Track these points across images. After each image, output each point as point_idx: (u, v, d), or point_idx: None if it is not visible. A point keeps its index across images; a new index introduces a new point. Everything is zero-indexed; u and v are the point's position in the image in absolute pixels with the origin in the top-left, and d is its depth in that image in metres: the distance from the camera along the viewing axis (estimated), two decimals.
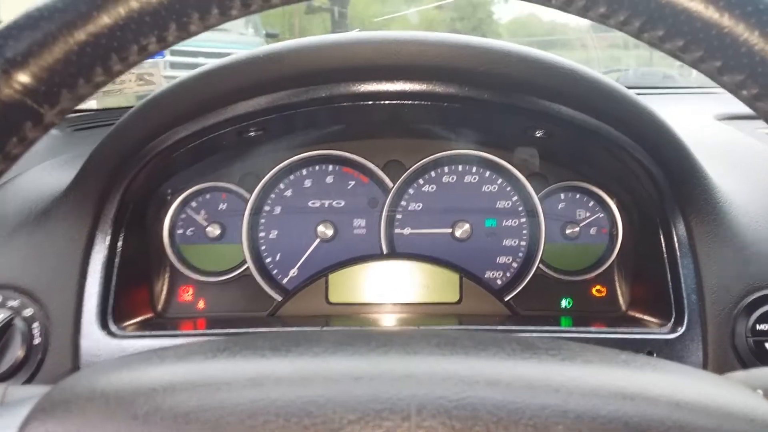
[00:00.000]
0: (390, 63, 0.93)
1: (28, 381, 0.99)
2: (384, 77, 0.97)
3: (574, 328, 1.05)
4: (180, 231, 1.30)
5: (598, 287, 1.27)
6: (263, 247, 1.30)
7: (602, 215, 1.28)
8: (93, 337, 1.02)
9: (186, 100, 0.99)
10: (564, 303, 1.27)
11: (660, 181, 1.05)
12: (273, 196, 1.31)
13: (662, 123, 0.99)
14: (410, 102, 1.06)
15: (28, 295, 1.01)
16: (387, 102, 1.06)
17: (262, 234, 1.30)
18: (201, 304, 1.28)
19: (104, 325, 1.03)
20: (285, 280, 1.29)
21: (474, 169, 1.31)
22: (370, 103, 1.07)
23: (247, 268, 1.28)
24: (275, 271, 1.30)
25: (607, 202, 1.27)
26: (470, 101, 0.99)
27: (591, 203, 1.29)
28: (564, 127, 1.02)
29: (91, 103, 1.76)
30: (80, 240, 1.04)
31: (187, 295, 1.28)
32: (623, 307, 1.24)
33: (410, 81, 0.97)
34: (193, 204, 1.30)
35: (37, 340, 1.00)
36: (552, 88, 0.95)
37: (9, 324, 0.97)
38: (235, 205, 1.30)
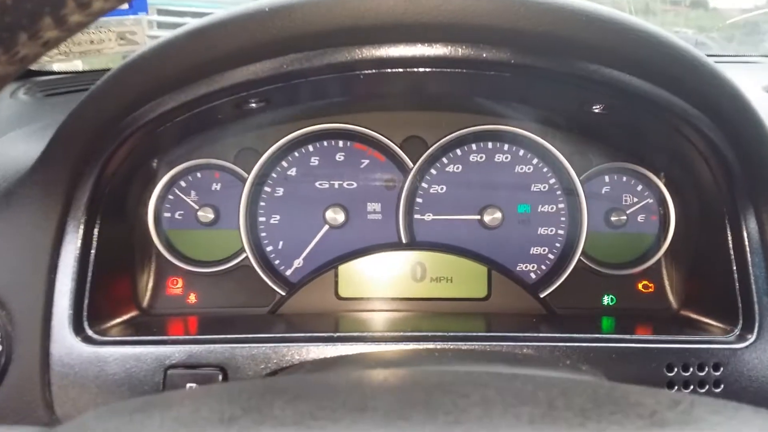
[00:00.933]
0: (428, 21, 0.75)
1: None
2: (419, 39, 0.79)
3: (626, 336, 0.90)
4: (167, 215, 1.13)
5: (645, 282, 1.12)
6: (263, 234, 1.13)
7: (652, 201, 1.13)
8: (65, 344, 0.86)
9: (174, 63, 0.81)
10: (606, 300, 1.12)
11: (733, 167, 0.89)
12: (275, 175, 1.14)
13: (747, 102, 0.83)
14: (448, 70, 0.87)
15: None
16: (420, 70, 0.88)
17: (262, 219, 1.14)
18: (192, 298, 1.12)
19: (78, 329, 0.87)
20: (288, 272, 1.13)
21: (506, 147, 1.14)
22: (400, 71, 0.88)
23: (246, 257, 1.11)
24: (277, 262, 1.13)
25: (659, 187, 1.11)
26: (524, 69, 0.81)
27: (639, 187, 1.13)
28: (628, 101, 0.86)
29: (69, 65, 1.57)
30: (49, 228, 0.87)
31: (176, 288, 1.12)
32: (674, 306, 1.09)
33: (452, 44, 0.78)
34: (182, 184, 1.13)
35: None
36: (626, 56, 0.78)
37: None
38: (231, 185, 1.13)
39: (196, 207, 1.12)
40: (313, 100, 1.06)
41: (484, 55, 0.78)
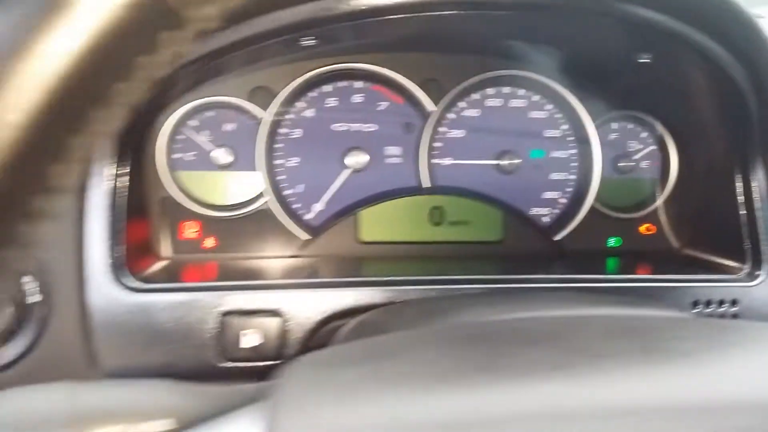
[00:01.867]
0: None
1: (26, 352, 0.77)
2: None
3: (657, 276, 0.96)
4: (178, 156, 1.06)
5: (647, 225, 1.19)
6: (282, 177, 1.10)
7: (655, 148, 1.19)
8: (107, 293, 0.80)
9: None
10: (612, 241, 1.19)
11: (754, 123, 0.95)
12: (291, 116, 1.10)
13: None
14: (487, 12, 0.87)
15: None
16: (456, 13, 0.87)
17: (279, 162, 1.10)
18: (210, 243, 1.07)
19: (119, 278, 0.82)
20: (309, 216, 1.11)
21: (521, 93, 1.16)
22: (437, 13, 0.87)
23: (265, 202, 1.08)
24: (297, 206, 1.11)
25: (662, 135, 1.17)
26: (577, 14, 0.82)
27: (644, 134, 1.19)
28: (674, 51, 0.89)
29: None
30: None
31: (191, 232, 1.06)
32: (676, 246, 1.17)
33: None
34: (193, 123, 1.07)
35: (33, 299, 0.78)
36: (685, 4, 0.80)
37: None
38: (246, 125, 1.08)
39: (210, 147, 1.06)
40: (330, 42, 1.02)
41: None
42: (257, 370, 0.83)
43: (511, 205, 1.15)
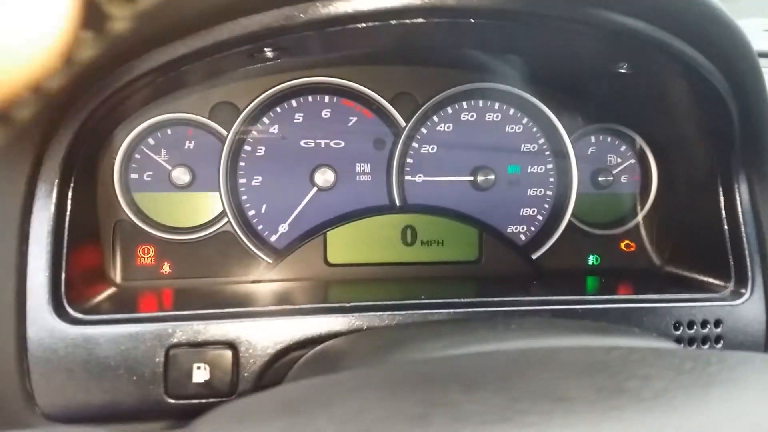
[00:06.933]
0: None
1: None
2: None
3: (635, 297, 0.91)
4: (134, 176, 1.01)
5: (627, 242, 1.14)
6: (245, 197, 1.04)
7: (634, 162, 1.15)
8: (45, 325, 0.75)
9: (167, 15, 0.69)
10: (591, 260, 1.14)
11: (736, 133, 0.91)
12: (255, 133, 1.04)
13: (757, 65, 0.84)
14: (457, 20, 0.82)
15: None
16: (422, 21, 0.82)
17: (242, 181, 1.04)
18: (166, 268, 1.01)
19: (59, 308, 0.76)
20: (273, 238, 1.05)
21: (496, 106, 1.11)
22: (394, 22, 0.81)
23: (227, 223, 1.02)
24: (261, 227, 1.05)
25: (643, 149, 1.13)
26: (551, 21, 0.78)
27: (623, 148, 1.14)
28: (653, 60, 0.85)
29: None
30: (17, 192, 0.75)
31: (147, 257, 1.01)
32: (657, 263, 1.12)
33: None
34: (150, 141, 1.01)
35: None
36: (647, 6, 0.76)
37: None
38: (207, 143, 1.03)
39: (169, 167, 1.01)
40: (295, 53, 0.97)
41: (503, 3, 0.73)
42: (210, 407, 0.77)
43: (486, 223, 1.11)
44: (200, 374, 0.76)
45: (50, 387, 0.74)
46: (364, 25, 0.81)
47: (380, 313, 0.83)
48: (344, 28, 0.81)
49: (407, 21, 0.82)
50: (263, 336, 0.78)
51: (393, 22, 0.81)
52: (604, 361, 0.44)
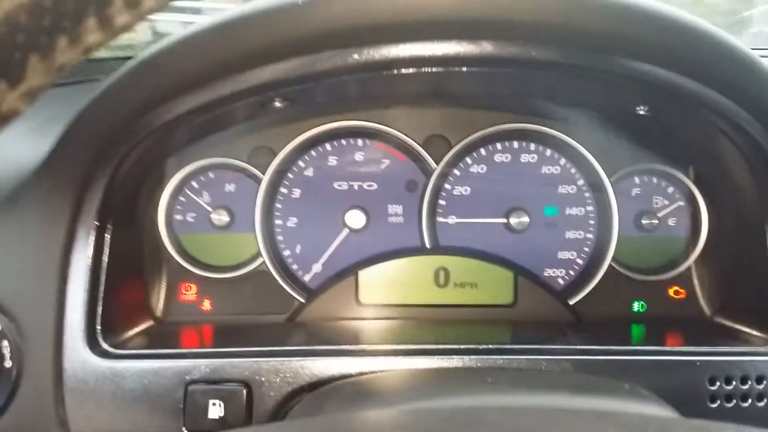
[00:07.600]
0: (479, 17, 0.70)
1: None
2: (467, 36, 0.73)
3: (666, 348, 0.86)
4: (179, 217, 1.08)
5: (676, 288, 1.08)
6: (280, 238, 1.09)
7: (683, 204, 1.09)
8: (79, 358, 0.81)
9: (198, 60, 0.75)
10: (636, 306, 1.08)
11: None
12: (291, 176, 1.09)
13: None
14: (497, 69, 0.81)
15: None
16: (465, 69, 0.82)
17: (278, 222, 1.09)
18: (207, 305, 1.07)
19: (93, 342, 0.82)
20: (307, 278, 1.09)
21: (532, 147, 1.10)
22: (440, 70, 0.82)
23: (263, 262, 1.07)
24: (295, 267, 1.09)
25: (691, 190, 1.08)
26: (573, 70, 0.77)
27: (670, 189, 1.09)
28: (675, 103, 0.81)
29: None
30: (58, 235, 0.82)
31: (189, 294, 1.07)
32: (707, 313, 1.05)
33: (503, 42, 0.72)
34: (194, 184, 1.08)
35: (7, 364, 0.79)
36: (682, 57, 0.73)
37: None
38: (246, 186, 1.08)
39: (210, 209, 1.07)
40: (332, 98, 1.00)
41: (534, 54, 0.73)
42: None
43: (521, 266, 1.08)
44: (215, 410, 0.80)
45: (82, 416, 0.80)
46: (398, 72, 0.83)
47: (413, 357, 0.82)
48: (380, 74, 0.83)
49: (441, 69, 0.83)
50: (277, 375, 0.81)
51: (428, 69, 0.83)
52: (533, 428, 0.42)
